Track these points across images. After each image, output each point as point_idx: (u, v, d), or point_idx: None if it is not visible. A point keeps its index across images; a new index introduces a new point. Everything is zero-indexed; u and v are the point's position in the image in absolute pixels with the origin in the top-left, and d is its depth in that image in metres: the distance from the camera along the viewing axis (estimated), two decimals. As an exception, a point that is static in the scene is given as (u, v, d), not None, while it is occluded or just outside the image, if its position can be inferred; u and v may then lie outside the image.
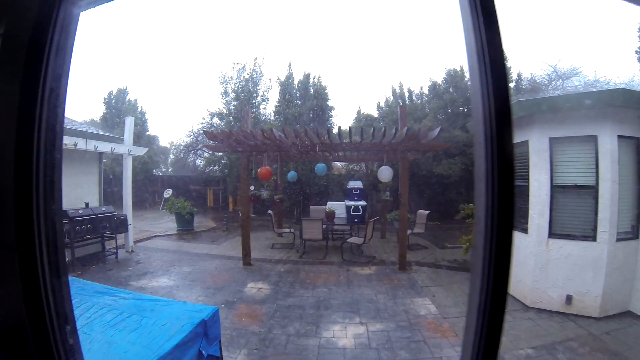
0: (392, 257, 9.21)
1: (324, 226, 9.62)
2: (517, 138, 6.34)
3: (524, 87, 17.30)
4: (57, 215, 1.06)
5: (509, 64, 17.70)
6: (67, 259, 7.59)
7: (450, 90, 16.97)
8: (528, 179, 5.97)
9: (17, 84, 1.00)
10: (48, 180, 1.03)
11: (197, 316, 2.94)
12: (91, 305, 3.15)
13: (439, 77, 18.64)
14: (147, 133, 26.14)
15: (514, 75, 17.82)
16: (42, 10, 1.02)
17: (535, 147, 5.85)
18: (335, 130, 8.69)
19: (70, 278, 4.37)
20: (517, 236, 6.20)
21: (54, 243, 1.06)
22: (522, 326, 5.05)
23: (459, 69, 17.39)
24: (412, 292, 6.65)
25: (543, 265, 5.68)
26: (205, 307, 3.20)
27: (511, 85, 17.50)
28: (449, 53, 40.68)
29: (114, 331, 2.70)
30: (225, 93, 19.51)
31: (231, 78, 19.57)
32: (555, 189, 5.67)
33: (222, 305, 5.99)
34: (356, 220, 10.74)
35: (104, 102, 26.65)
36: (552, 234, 5.68)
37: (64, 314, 1.09)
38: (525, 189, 6.02)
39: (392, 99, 19.56)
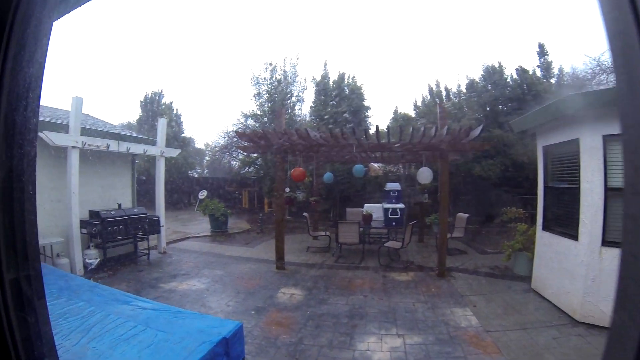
0: (430, 263, 8.90)
1: (361, 229, 9.38)
2: (566, 136, 5.90)
3: (565, 82, 16.44)
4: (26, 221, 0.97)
5: (549, 58, 16.94)
6: (98, 260, 7.77)
7: (489, 87, 16.34)
8: (578, 180, 5.51)
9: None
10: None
11: (218, 333, 2.75)
12: (106, 315, 3.05)
13: (476, 74, 17.99)
14: (183, 135, 26.69)
15: (555, 70, 17.01)
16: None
17: (587, 145, 5.36)
18: (372, 130, 8.45)
19: (90, 282, 4.38)
20: (566, 243, 5.78)
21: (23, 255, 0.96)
22: (570, 343, 4.62)
23: (496, 64, 16.75)
24: (452, 301, 6.32)
25: (595, 276, 5.21)
26: (227, 323, 3.02)
27: (552, 81, 16.70)
28: (485, 48, 39.39)
29: (126, 347, 2.56)
30: (259, 94, 19.56)
31: (264, 79, 19.62)
32: (610, 192, 5.19)
33: (253, 312, 5.89)
34: (394, 223, 10.46)
35: (140, 105, 27.49)
36: (605, 242, 5.17)
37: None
38: (575, 191, 5.57)
39: (429, 97, 19.07)
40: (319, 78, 19.55)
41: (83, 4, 1.23)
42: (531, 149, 12.14)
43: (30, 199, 0.99)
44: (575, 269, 5.45)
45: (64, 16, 1.25)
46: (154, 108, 26.92)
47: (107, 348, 2.53)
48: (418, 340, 4.80)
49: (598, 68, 15.27)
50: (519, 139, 12.49)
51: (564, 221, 5.98)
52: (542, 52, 16.99)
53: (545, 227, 6.59)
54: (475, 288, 7.04)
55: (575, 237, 5.53)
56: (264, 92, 19.47)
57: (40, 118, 8.07)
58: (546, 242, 6.52)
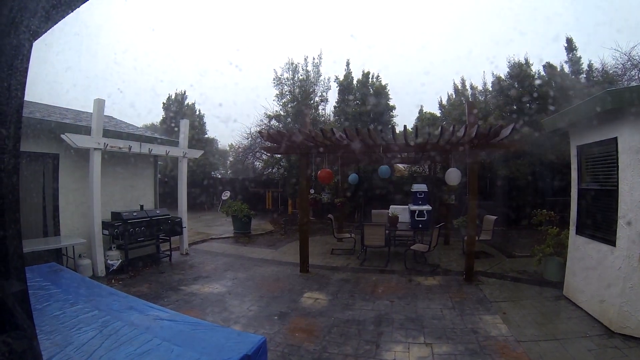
0: (457, 266, 8.71)
1: (387, 232, 9.23)
2: (602, 135, 5.60)
3: (594, 78, 15.84)
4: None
5: (577, 53, 16.39)
6: (119, 261, 7.78)
7: (515, 85, 15.91)
8: (617, 182, 5.22)
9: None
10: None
11: (239, 350, 2.57)
12: (120, 327, 2.95)
13: (502, 71, 17.56)
14: (206, 136, 26.91)
15: (583, 65, 16.43)
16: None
17: (627, 145, 5.06)
18: (399, 130, 8.31)
19: (107, 288, 4.35)
20: (602, 248, 5.50)
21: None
22: (606, 356, 4.38)
23: (523, 61, 16.29)
24: (481, 307, 6.13)
25: (634, 284, 4.92)
26: (249, 337, 2.85)
27: (582, 77, 16.14)
28: (510, 44, 38.48)
29: None
30: (282, 95, 19.55)
31: (287, 79, 19.60)
32: (652, 195, 4.91)
33: (276, 317, 5.85)
34: (420, 225, 10.27)
35: (163, 107, 27.81)
36: (645, 248, 4.94)
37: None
38: (613, 193, 5.28)
39: (454, 96, 18.72)
40: (342, 78, 19.40)
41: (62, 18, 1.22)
42: (561, 148, 11.79)
43: (11, 208, 0.95)
44: (612, 276, 5.18)
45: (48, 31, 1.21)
46: (177, 109, 27.23)
47: None
48: (447, 349, 4.65)
49: (629, 63, 14.69)
50: (549, 138, 12.13)
51: (600, 225, 5.70)
52: (570, 47, 16.44)
53: (580, 231, 6.31)
54: (505, 294, 6.82)
55: (612, 242, 5.25)
56: (286, 93, 19.44)
57: (63, 120, 8.25)
58: (580, 247, 6.24)
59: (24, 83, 1.00)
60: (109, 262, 8.18)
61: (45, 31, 1.16)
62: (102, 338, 2.77)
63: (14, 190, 0.96)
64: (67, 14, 1.20)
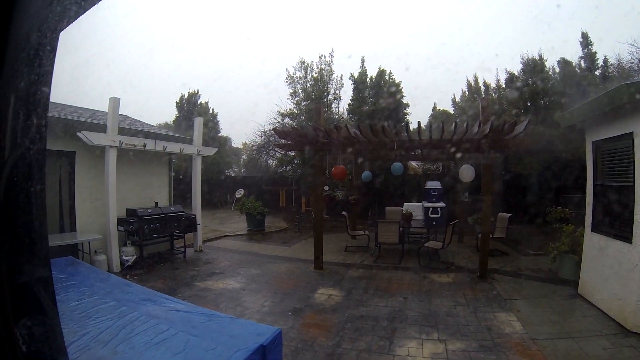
0: (471, 264, 8.69)
1: (401, 229, 9.26)
2: (617, 130, 5.53)
3: (610, 74, 15.58)
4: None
5: (593, 48, 16.13)
6: (134, 257, 7.90)
7: (530, 81, 15.72)
8: (633, 177, 5.15)
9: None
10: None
11: (254, 340, 2.57)
12: (136, 317, 2.97)
13: (516, 67, 17.38)
14: (219, 135, 27.10)
15: (599, 61, 16.16)
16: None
17: (643, 140, 5.01)
18: (412, 127, 8.30)
19: (123, 280, 4.44)
20: (618, 246, 5.45)
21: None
22: (622, 355, 4.34)
23: (537, 56, 16.10)
24: (494, 305, 6.14)
25: (651, 282, 4.91)
26: (265, 329, 2.83)
27: (597, 73, 15.88)
28: (525, 39, 37.96)
29: (155, 352, 2.46)
30: (295, 93, 19.63)
31: (299, 77, 19.66)
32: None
33: (289, 313, 5.92)
34: (434, 223, 10.26)
35: (176, 106, 28.06)
36: (662, 245, 4.88)
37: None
38: (629, 190, 5.23)
39: (467, 93, 18.59)
40: (356, 75, 19.39)
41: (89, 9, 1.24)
42: (575, 145, 11.63)
43: (38, 197, 0.99)
44: (629, 274, 5.13)
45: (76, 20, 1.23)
46: (190, 108, 27.44)
47: (136, 353, 2.45)
48: (460, 346, 4.67)
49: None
50: (563, 135, 11.98)
51: (616, 222, 5.64)
52: (585, 42, 16.18)
53: (595, 228, 6.25)
54: (519, 292, 6.81)
55: (629, 239, 5.19)
56: (300, 91, 19.50)
57: (79, 118, 8.39)
58: (595, 245, 6.18)
59: (51, 73, 1.03)
60: (124, 257, 8.34)
61: (73, 21, 1.18)
62: (118, 327, 2.81)
63: (41, 183, 1.00)
64: (94, 4, 1.24)
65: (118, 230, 8.38)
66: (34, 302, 0.98)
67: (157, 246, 9.44)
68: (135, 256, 8.48)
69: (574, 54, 16.47)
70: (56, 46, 1.05)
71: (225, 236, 12.91)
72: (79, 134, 7.52)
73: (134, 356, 2.41)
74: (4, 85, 0.91)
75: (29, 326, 0.93)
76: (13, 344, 0.89)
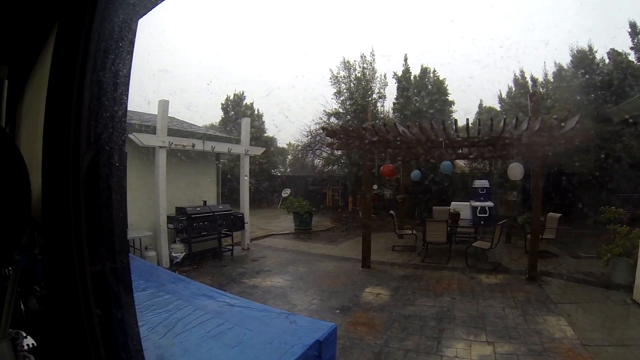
0: (519, 265, 8.64)
1: (448, 228, 9.33)
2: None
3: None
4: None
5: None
6: (183, 254, 8.38)
7: (579, 74, 15.14)
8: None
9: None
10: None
11: (311, 336, 2.58)
12: (192, 310, 3.04)
13: (564, 60, 16.75)
14: (265, 135, 27.66)
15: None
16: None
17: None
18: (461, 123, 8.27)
19: (176, 275, 4.74)
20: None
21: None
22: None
23: (586, 48, 15.45)
24: (544, 308, 6.14)
25: None
26: (321, 324, 2.85)
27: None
28: (572, 30, 36.13)
29: (213, 344, 2.50)
30: (339, 93, 19.82)
31: (343, 77, 19.82)
32: None
33: (337, 311, 6.14)
34: (482, 222, 10.22)
35: (221, 108, 28.80)
36: None
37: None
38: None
39: (514, 89, 18.15)
40: (400, 74, 19.35)
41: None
42: (629, 142, 11.23)
43: (119, 188, 1.02)
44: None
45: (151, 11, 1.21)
46: (236, 110, 28.14)
47: (193, 344, 2.48)
48: (509, 349, 4.76)
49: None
50: (617, 130, 11.58)
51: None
52: (634, 31, 15.32)
53: (652, 231, 6.13)
54: (569, 295, 6.77)
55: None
56: (344, 90, 19.66)
57: (129, 121, 8.91)
58: (652, 249, 6.07)
59: (130, 66, 1.04)
60: (173, 254, 8.77)
61: (151, 8, 1.20)
62: (174, 320, 2.87)
63: (123, 180, 1.04)
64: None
65: (168, 227, 8.81)
66: (112, 290, 1.02)
67: (205, 244, 9.73)
68: (184, 253, 8.89)
69: (623, 44, 15.62)
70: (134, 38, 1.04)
71: (272, 235, 13.30)
72: (130, 136, 7.94)
73: (192, 347, 2.46)
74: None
75: (107, 312, 1.00)
76: (94, 328, 0.95)
